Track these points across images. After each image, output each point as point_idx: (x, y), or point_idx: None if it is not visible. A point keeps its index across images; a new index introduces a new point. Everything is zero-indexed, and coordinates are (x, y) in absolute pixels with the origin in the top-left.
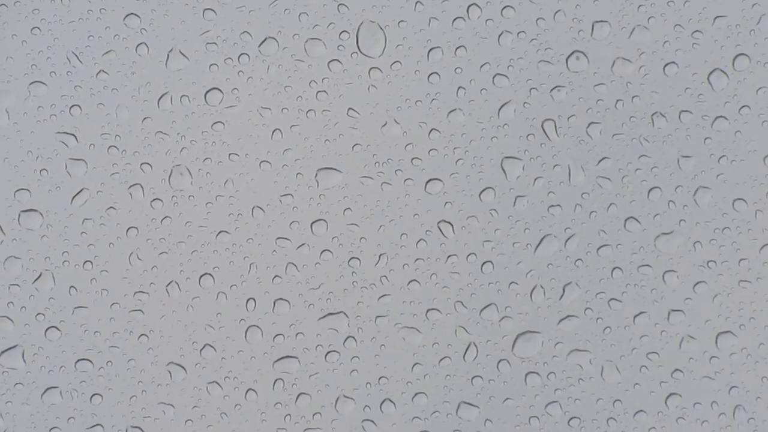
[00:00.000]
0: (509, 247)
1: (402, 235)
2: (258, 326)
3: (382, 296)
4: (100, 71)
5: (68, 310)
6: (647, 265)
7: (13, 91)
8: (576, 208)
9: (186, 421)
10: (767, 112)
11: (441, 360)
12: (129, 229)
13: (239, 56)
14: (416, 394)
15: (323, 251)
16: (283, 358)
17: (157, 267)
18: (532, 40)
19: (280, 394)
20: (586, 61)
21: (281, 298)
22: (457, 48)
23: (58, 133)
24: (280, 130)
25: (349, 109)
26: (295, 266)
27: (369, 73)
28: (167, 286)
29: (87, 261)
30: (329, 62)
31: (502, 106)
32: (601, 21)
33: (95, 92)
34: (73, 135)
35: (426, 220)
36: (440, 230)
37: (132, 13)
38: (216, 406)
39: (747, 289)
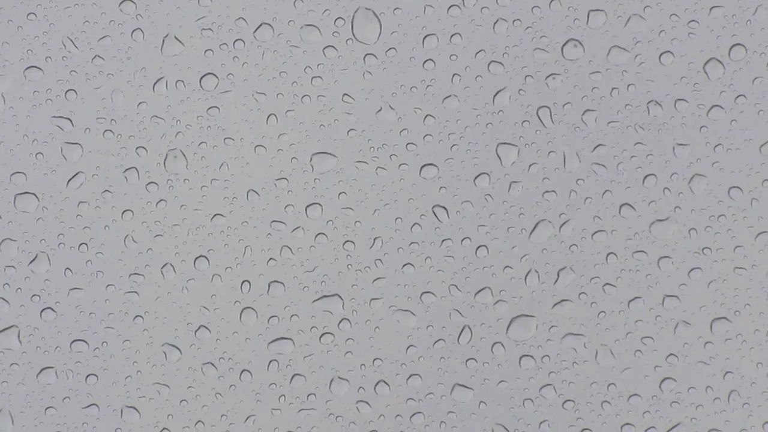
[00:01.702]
0: (504, 231)
1: (397, 219)
2: (253, 308)
3: (376, 279)
4: (95, 56)
5: (64, 292)
6: (642, 251)
7: (9, 76)
8: (571, 194)
9: (181, 402)
10: (763, 102)
11: (435, 342)
12: (124, 212)
13: (234, 42)
14: (410, 375)
15: (318, 234)
16: (277, 339)
17: (152, 249)
18: (528, 28)
19: (275, 375)
20: (582, 49)
21: (276, 281)
22: (453, 35)
23: (54, 117)
24: (275, 114)
25: (344, 94)
26: (290, 249)
27: (364, 59)
28: (162, 268)
29: (82, 243)
30: (324, 48)
31: (497, 93)
32: (597, 10)
33: (91, 77)
34: (69, 119)
35: (421, 205)
36: (435, 215)
37: None
38: (211, 386)
39: (742, 276)
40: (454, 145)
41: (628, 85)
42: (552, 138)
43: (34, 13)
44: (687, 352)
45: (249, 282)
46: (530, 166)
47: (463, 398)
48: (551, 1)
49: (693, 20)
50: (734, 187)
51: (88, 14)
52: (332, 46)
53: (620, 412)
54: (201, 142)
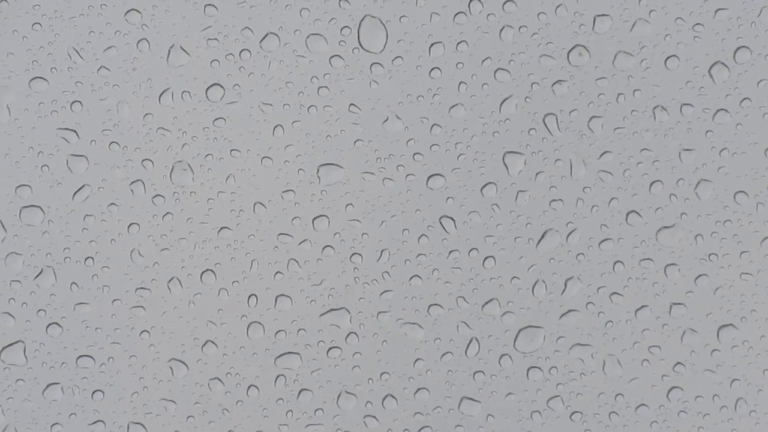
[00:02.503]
0: (511, 241)
1: (404, 230)
2: (260, 322)
3: (383, 292)
4: (101, 67)
5: (69, 307)
6: (649, 258)
7: (14, 87)
8: (578, 203)
9: (188, 418)
10: None
11: (443, 355)
12: (130, 225)
13: (240, 52)
14: (418, 389)
15: (325, 247)
16: (284, 354)
17: (158, 263)
18: (534, 34)
19: (282, 390)
20: (588, 55)
21: (283, 294)
22: (459, 43)
23: (59, 129)
24: (281, 125)
25: (351, 104)
26: (297, 262)
27: (370, 68)
28: (169, 282)
29: (88, 257)
30: (330, 58)
31: (503, 101)
32: (603, 15)
33: (96, 88)
34: (75, 131)
35: (428, 216)
36: (442, 225)
37: (133, 9)
38: (218, 402)
39: (748, 282)
40: (461, 154)
41: (634, 91)
42: (558, 146)
43: (39, 23)
44: (694, 360)
45: (256, 296)
46: (537, 174)
47: (471, 411)
48: (557, 7)
49: (698, 23)
50: (740, 191)
51: (94, 24)
52: (338, 56)
53: (628, 422)
54: (207, 154)
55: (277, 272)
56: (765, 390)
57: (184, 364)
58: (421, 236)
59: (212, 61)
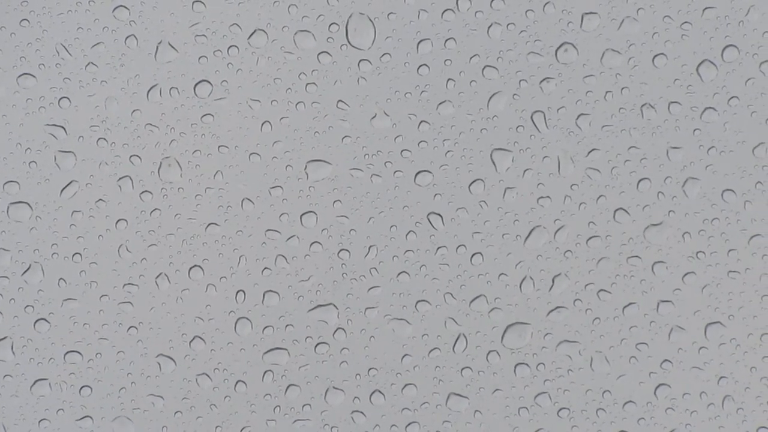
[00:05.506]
0: (499, 238)
1: (391, 226)
2: (247, 318)
3: (371, 288)
4: (89, 63)
5: (57, 302)
6: (636, 256)
7: (2, 83)
8: (565, 200)
9: (175, 413)
10: (756, 103)
11: (430, 351)
12: (118, 221)
13: (228, 48)
14: (406, 385)
15: (313, 243)
16: (272, 349)
17: (146, 259)
18: (522, 31)
19: (270, 386)
20: (576, 52)
21: (271, 290)
22: (447, 40)
23: (47, 125)
24: (269, 122)
25: (339, 101)
26: (285, 258)
27: (358, 65)
28: (156, 278)
29: (76, 253)
30: (318, 54)
31: (491, 98)
32: (591, 13)
33: (84, 84)
34: (62, 127)
35: (415, 212)
36: (430, 222)
37: (121, 6)
38: (205, 397)
39: (736, 280)
40: (448, 151)
41: (622, 89)
42: (546, 143)
43: (27, 20)
44: (681, 357)
45: (244, 292)
46: (525, 171)
47: (459, 407)
48: (545, 5)
49: (686, 22)
50: (728, 190)
51: (82, 21)
52: (326, 52)
53: (615, 419)
54: (195, 150)
55: (264, 268)
56: (752, 388)
57: (172, 359)
58: (408, 232)
59: (200, 58)
